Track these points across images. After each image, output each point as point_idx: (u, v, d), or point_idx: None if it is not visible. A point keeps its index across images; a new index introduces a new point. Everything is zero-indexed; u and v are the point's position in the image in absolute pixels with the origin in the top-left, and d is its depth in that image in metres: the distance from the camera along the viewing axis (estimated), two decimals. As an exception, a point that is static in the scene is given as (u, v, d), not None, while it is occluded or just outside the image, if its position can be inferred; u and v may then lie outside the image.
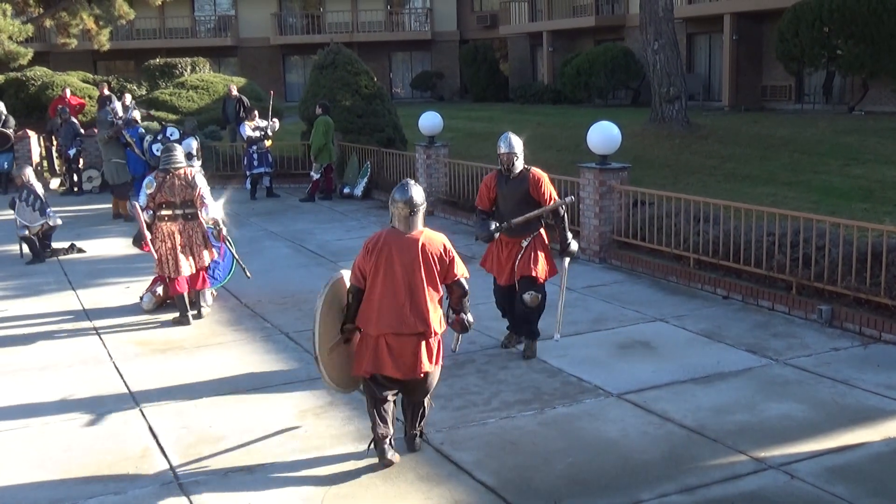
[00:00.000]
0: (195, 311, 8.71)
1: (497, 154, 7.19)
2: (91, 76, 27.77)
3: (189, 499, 5.13)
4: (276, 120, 16.81)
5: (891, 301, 7.58)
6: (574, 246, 7.30)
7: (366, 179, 16.58)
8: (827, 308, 7.95)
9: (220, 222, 8.69)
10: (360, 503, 5.02)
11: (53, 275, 10.94)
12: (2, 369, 7.46)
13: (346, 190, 16.77)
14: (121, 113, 15.15)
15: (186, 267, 8.51)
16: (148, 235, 8.47)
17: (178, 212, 8.49)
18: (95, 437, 6.00)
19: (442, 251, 5.41)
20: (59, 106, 18.98)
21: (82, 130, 18.24)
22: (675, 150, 17.22)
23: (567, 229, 7.26)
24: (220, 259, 9.23)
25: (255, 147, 16.43)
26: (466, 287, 5.58)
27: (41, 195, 11.75)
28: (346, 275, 5.63)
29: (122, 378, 7.18)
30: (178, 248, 8.48)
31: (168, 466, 5.54)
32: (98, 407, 6.55)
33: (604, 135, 10.54)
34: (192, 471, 5.47)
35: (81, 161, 17.92)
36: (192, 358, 7.65)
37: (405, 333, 5.28)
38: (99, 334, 8.40)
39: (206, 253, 8.70)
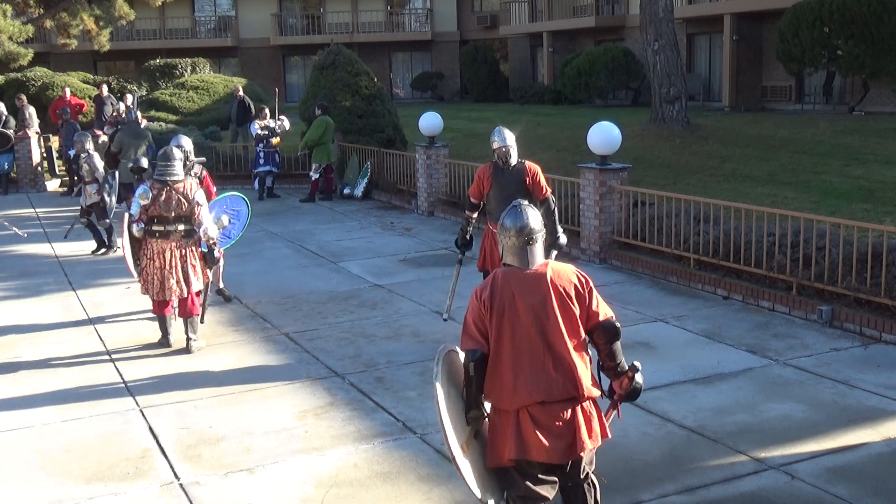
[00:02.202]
0: (184, 344, 7.83)
1: (491, 149, 7.41)
2: (91, 77, 27.79)
3: (189, 499, 5.13)
4: (283, 118, 16.80)
5: (891, 301, 7.57)
6: (563, 239, 7.53)
7: (366, 180, 16.59)
8: (827, 308, 7.95)
9: (217, 243, 8.00)
10: (360, 503, 5.02)
11: (53, 275, 10.94)
12: (2, 369, 7.46)
13: (347, 190, 16.78)
14: (123, 114, 15.22)
15: (172, 291, 7.67)
16: (129, 253, 7.78)
17: (171, 228, 7.66)
18: (95, 438, 6.00)
19: (578, 284, 4.13)
20: (61, 107, 18.99)
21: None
22: (676, 150, 17.23)
23: (557, 223, 7.49)
24: (236, 220, 9.11)
25: (262, 145, 16.44)
26: (616, 327, 4.17)
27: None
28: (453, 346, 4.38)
29: (122, 378, 7.18)
30: (167, 268, 7.65)
31: (168, 467, 5.54)
32: (98, 407, 6.55)
33: (604, 135, 10.55)
34: (192, 471, 5.47)
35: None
36: (193, 358, 7.65)
37: (554, 401, 3.98)
38: (99, 335, 8.40)
39: (199, 275, 7.85)
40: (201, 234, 7.76)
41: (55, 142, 19.27)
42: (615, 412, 4.36)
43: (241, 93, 20.60)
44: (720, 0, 26.04)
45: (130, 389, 6.92)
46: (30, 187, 18.24)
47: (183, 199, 7.66)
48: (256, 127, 16.45)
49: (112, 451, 5.77)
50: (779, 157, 15.85)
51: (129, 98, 18.68)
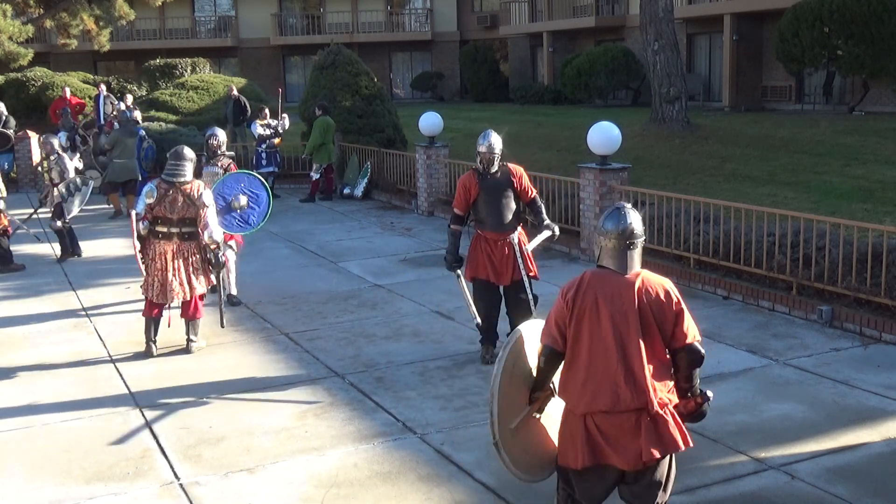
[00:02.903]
0: (184, 346, 7.79)
1: (477, 152, 7.19)
2: (91, 77, 27.80)
3: (189, 499, 5.13)
4: (285, 116, 16.79)
5: (891, 301, 7.58)
6: (556, 228, 7.40)
7: (366, 180, 16.58)
8: (827, 308, 7.95)
9: (221, 246, 7.78)
10: (360, 503, 5.02)
11: (53, 275, 10.94)
12: (2, 369, 7.46)
13: (347, 190, 16.77)
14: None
15: (173, 294, 7.53)
16: (138, 246, 7.74)
17: (174, 230, 7.51)
18: (95, 438, 6.00)
19: (665, 299, 4.01)
20: (61, 107, 19.00)
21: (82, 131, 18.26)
22: (676, 150, 17.23)
23: (543, 212, 7.39)
24: (255, 206, 8.86)
25: (263, 146, 16.42)
26: (701, 353, 4.08)
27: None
28: (527, 331, 4.50)
29: (122, 378, 7.18)
30: (170, 271, 7.52)
31: (168, 467, 5.54)
32: (98, 407, 6.55)
33: (604, 135, 10.55)
34: (192, 471, 5.47)
35: (82, 162, 17.91)
36: (193, 358, 7.65)
37: (619, 411, 3.95)
38: (99, 335, 8.40)
39: (201, 279, 7.70)
40: (206, 238, 7.55)
41: (55, 142, 19.23)
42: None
43: (235, 93, 20.57)
44: (720, 0, 26.04)
45: (130, 389, 6.92)
46: (30, 187, 18.23)
47: (189, 202, 7.51)
48: (258, 127, 16.42)
49: (112, 451, 5.77)
50: (779, 157, 15.86)
51: (129, 98, 18.69)
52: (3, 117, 17.94)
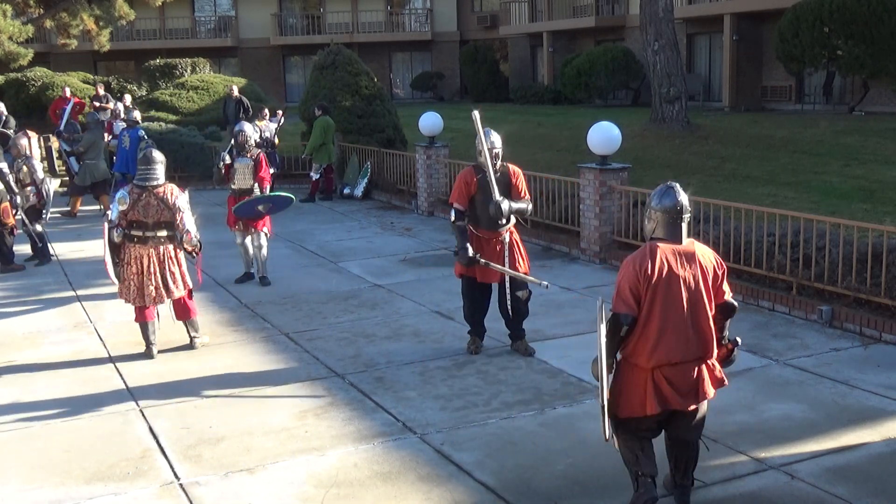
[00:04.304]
0: (188, 343, 7.89)
1: (477, 150, 7.22)
2: (91, 77, 27.79)
3: (189, 499, 5.13)
4: (279, 112, 16.81)
5: (891, 301, 7.57)
6: (529, 207, 7.40)
7: (366, 180, 16.59)
8: (827, 308, 7.95)
9: (197, 248, 7.70)
10: (360, 503, 5.02)
11: (53, 275, 10.94)
12: (2, 369, 7.46)
13: (347, 190, 16.78)
14: (122, 113, 15.24)
15: (150, 297, 7.52)
16: (109, 260, 7.69)
17: (150, 234, 7.47)
18: (95, 438, 6.00)
19: (716, 266, 4.71)
20: (61, 107, 18.99)
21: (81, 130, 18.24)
22: (676, 150, 17.23)
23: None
24: (273, 203, 9.97)
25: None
26: (735, 306, 4.85)
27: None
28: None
29: (122, 378, 7.18)
30: (145, 274, 7.49)
31: (168, 467, 5.54)
32: (98, 407, 6.55)
33: (604, 135, 10.55)
34: (192, 471, 5.47)
35: (82, 162, 17.90)
36: (192, 358, 7.65)
37: (688, 361, 4.60)
38: (99, 335, 8.40)
39: (179, 283, 7.66)
40: (187, 245, 7.54)
41: (55, 142, 19.25)
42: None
43: (236, 93, 20.56)
44: (720, 0, 26.04)
45: (130, 389, 6.92)
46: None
47: (162, 205, 7.47)
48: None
49: (112, 451, 5.77)
50: (779, 157, 15.85)
51: (128, 98, 18.69)
52: (3, 117, 17.94)
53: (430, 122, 14.59)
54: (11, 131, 18.05)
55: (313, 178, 16.39)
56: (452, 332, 8.08)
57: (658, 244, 4.64)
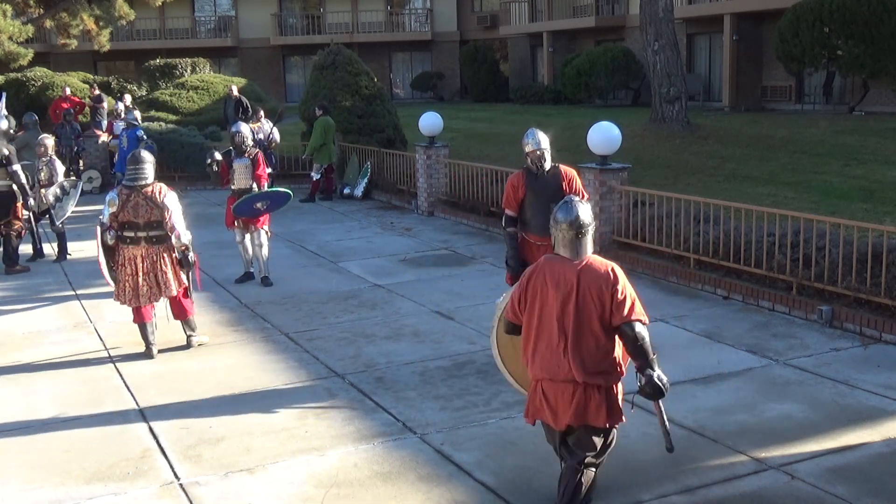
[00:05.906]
0: (185, 343, 7.90)
1: (525, 153, 7.11)
2: (91, 77, 27.80)
3: (189, 499, 5.13)
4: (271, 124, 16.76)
5: (891, 301, 7.57)
6: None
7: (366, 180, 16.58)
8: (827, 308, 7.95)
9: (190, 248, 7.68)
10: (360, 503, 5.03)
11: (53, 275, 10.94)
12: (2, 369, 7.46)
13: (347, 190, 16.77)
14: (122, 114, 15.25)
15: (146, 297, 7.54)
16: (103, 262, 7.70)
17: (142, 234, 7.47)
18: (95, 438, 6.00)
19: (603, 284, 4.45)
20: (64, 107, 18.99)
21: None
22: (676, 150, 17.23)
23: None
24: (271, 199, 10.12)
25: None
26: (640, 333, 4.44)
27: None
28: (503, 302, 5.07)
29: (122, 378, 7.18)
30: (140, 275, 7.51)
31: (168, 467, 5.54)
32: (98, 407, 6.55)
33: (604, 135, 10.55)
34: (192, 471, 5.47)
35: (81, 162, 17.94)
36: (193, 358, 7.65)
37: (560, 380, 4.52)
38: (99, 335, 8.40)
39: (171, 282, 7.62)
40: (174, 241, 7.53)
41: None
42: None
43: (236, 93, 20.56)
44: (720, 0, 26.05)
45: (130, 389, 6.92)
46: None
47: (151, 204, 7.45)
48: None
49: (112, 451, 5.77)
50: (779, 157, 15.86)
51: (127, 98, 18.70)
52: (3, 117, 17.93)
53: (429, 122, 14.59)
54: (11, 131, 18.08)
55: (314, 179, 16.38)
56: (452, 332, 8.08)
57: (545, 258, 4.67)
